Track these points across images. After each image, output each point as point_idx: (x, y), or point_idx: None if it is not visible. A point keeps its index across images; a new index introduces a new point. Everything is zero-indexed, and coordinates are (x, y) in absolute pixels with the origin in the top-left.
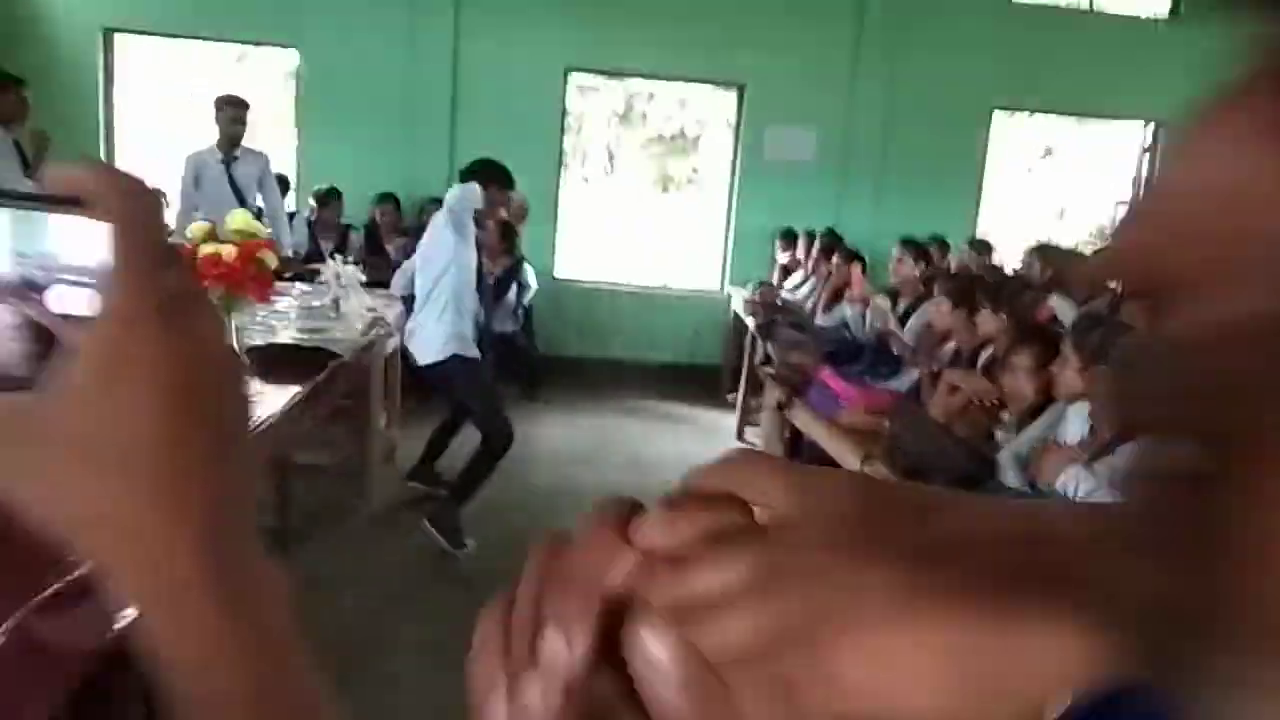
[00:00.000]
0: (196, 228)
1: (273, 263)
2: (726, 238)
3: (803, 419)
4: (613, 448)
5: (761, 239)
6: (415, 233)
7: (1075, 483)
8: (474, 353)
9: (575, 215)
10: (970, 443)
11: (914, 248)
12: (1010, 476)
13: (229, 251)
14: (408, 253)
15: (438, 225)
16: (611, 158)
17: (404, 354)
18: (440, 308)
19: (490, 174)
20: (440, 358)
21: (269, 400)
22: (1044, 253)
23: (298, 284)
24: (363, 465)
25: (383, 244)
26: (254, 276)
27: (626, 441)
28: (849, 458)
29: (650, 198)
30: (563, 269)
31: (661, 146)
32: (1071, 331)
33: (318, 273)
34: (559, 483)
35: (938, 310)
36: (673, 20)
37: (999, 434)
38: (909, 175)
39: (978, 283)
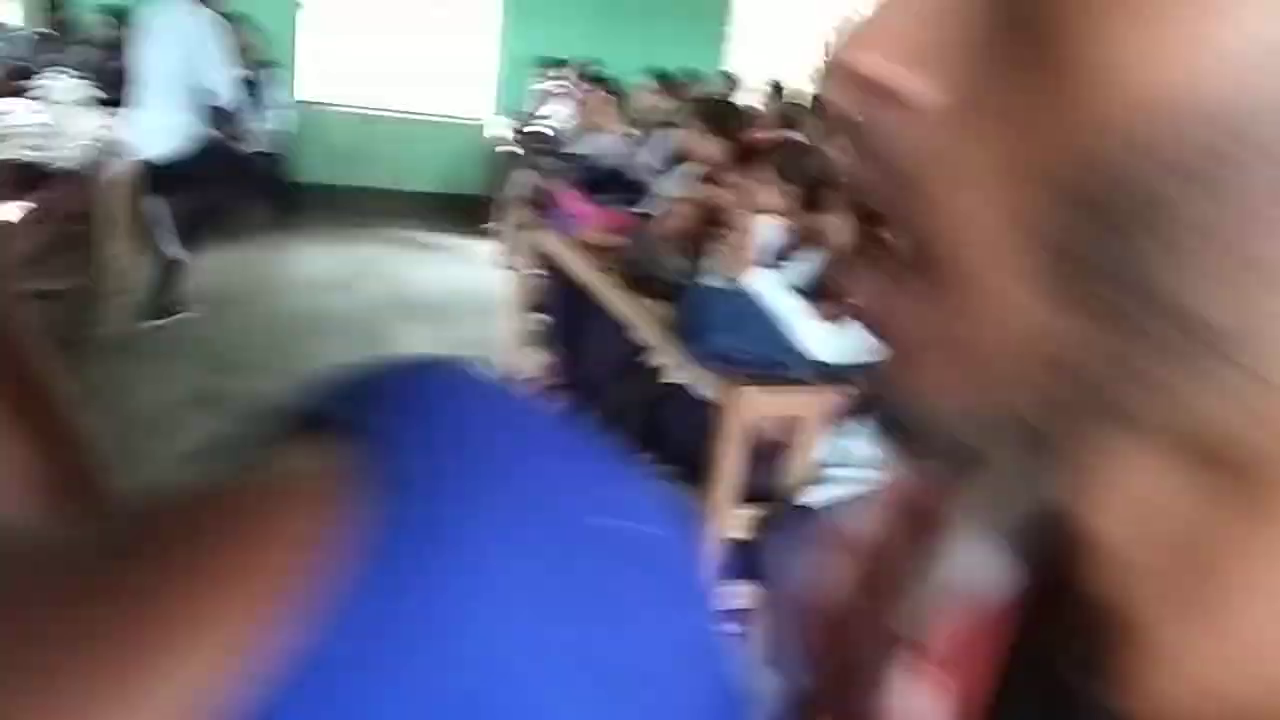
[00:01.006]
0: None
1: None
2: (499, 64)
3: (545, 238)
4: (373, 275)
5: (522, 68)
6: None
7: (762, 281)
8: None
9: (323, 33)
10: (688, 255)
11: (664, 80)
12: (715, 279)
13: None
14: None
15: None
16: None
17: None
18: (166, 101)
19: None
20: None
21: None
22: (777, 90)
23: (19, 100)
24: (94, 293)
25: (111, 60)
26: None
27: (387, 269)
28: (584, 270)
29: (409, 22)
30: (310, 92)
31: None
32: (775, 153)
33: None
34: (317, 308)
35: (677, 136)
36: None
37: (720, 246)
38: (667, 7)
39: (714, 109)
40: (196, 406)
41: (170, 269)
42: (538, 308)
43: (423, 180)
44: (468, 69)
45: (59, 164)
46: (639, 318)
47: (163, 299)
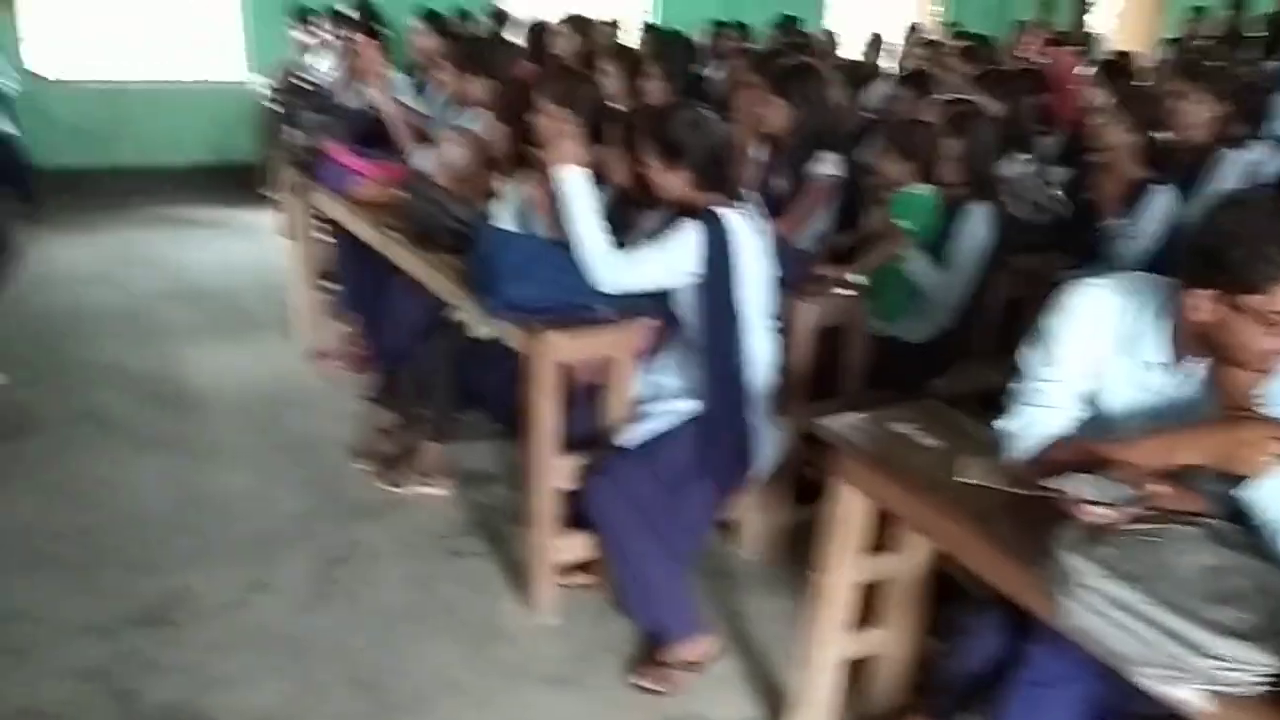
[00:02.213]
0: None
1: None
2: (244, 20)
3: (321, 200)
4: (140, 261)
5: (280, 20)
6: None
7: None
8: None
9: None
10: (470, 202)
11: (433, 19)
12: (506, 221)
13: None
14: None
15: None
16: None
17: None
18: None
19: None
20: None
21: None
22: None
23: None
24: None
25: None
26: None
27: (157, 252)
28: (367, 229)
29: None
30: (41, 67)
31: None
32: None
33: None
34: (83, 304)
35: (442, 79)
36: None
37: (497, 189)
38: None
39: (479, 46)
40: None
41: None
42: (328, 276)
43: (185, 152)
44: (216, 29)
45: None
46: (431, 274)
47: None
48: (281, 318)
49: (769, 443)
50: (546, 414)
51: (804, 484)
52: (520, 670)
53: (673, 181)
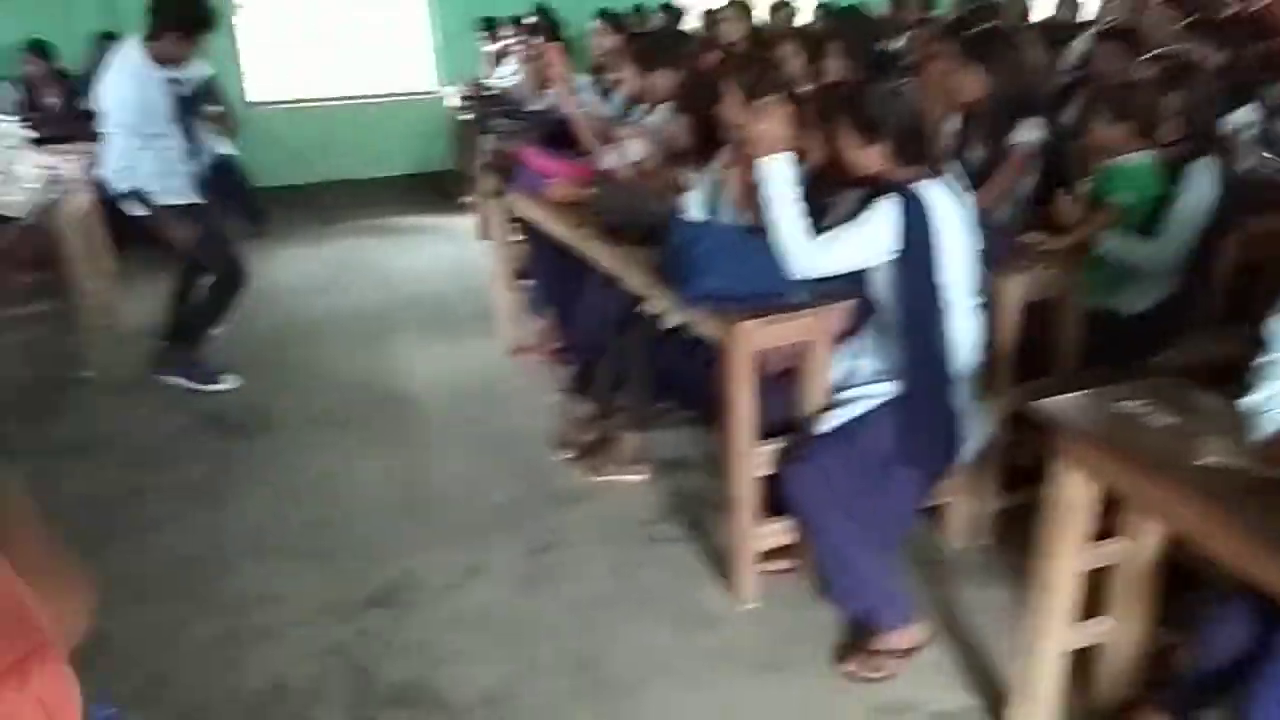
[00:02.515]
0: None
1: None
2: (433, 33)
3: (518, 203)
4: (356, 269)
5: (466, 31)
6: (80, 78)
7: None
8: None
9: (259, 33)
10: (661, 194)
11: (612, 19)
12: (696, 212)
13: None
14: (70, 103)
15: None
16: None
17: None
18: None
19: (171, 11)
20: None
21: None
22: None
23: None
24: (76, 332)
25: (38, 98)
26: None
27: (370, 260)
28: (561, 228)
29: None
30: (256, 93)
31: None
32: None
33: None
34: (305, 312)
35: (627, 76)
36: None
37: (685, 181)
38: None
39: (657, 41)
40: (203, 430)
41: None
42: (524, 275)
43: (387, 165)
44: (410, 43)
45: (10, 211)
46: (625, 268)
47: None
48: (483, 316)
49: (975, 426)
50: (743, 402)
51: (1013, 469)
52: (726, 655)
53: (870, 158)
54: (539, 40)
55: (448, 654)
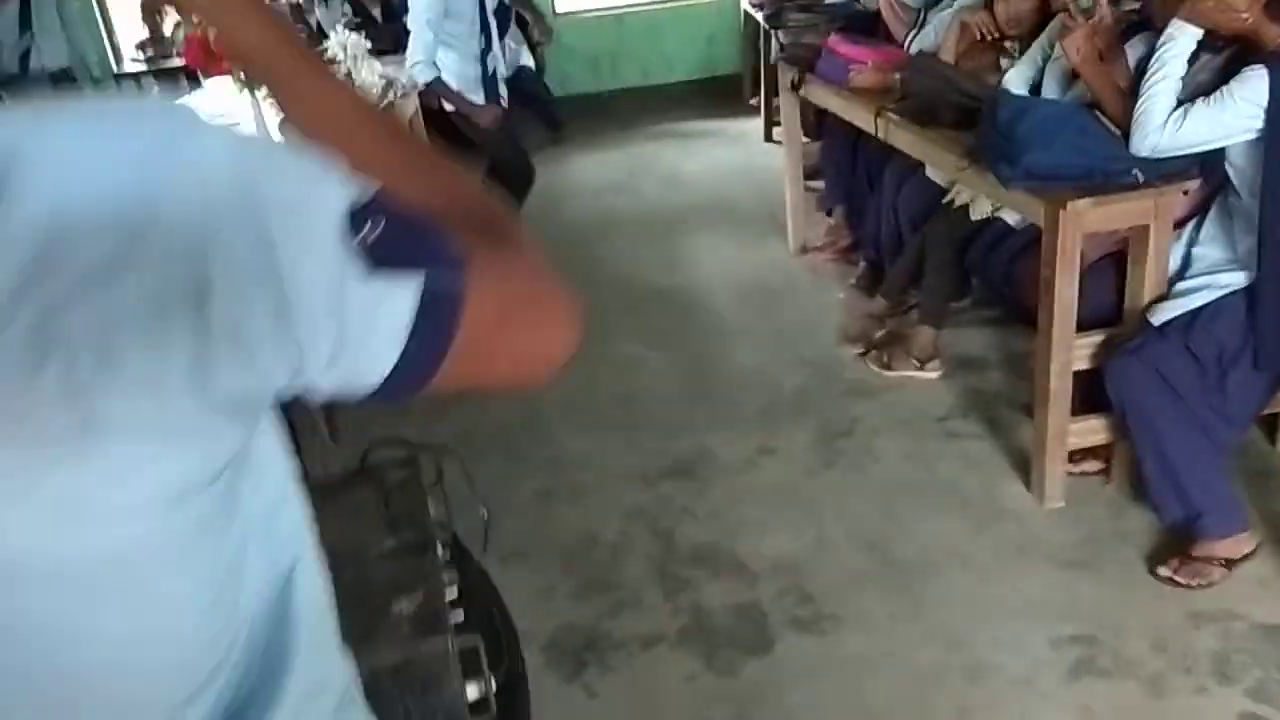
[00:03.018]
0: None
1: None
2: None
3: (816, 93)
4: (647, 171)
5: None
6: None
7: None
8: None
9: None
10: (976, 76)
11: None
12: (1019, 89)
13: None
14: (388, 13)
15: None
16: None
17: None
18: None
19: None
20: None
21: None
22: None
23: None
24: None
25: (363, 7)
26: None
27: (660, 163)
28: (863, 115)
29: None
30: (562, 3)
31: None
32: None
33: (323, 50)
34: (599, 211)
35: None
36: None
37: (1004, 63)
38: None
39: None
40: None
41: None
42: (813, 174)
43: (678, 70)
44: None
45: None
46: (935, 153)
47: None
48: (770, 218)
49: None
50: (1065, 289)
51: None
52: (1026, 549)
53: (1241, 8)
54: None
55: (742, 523)
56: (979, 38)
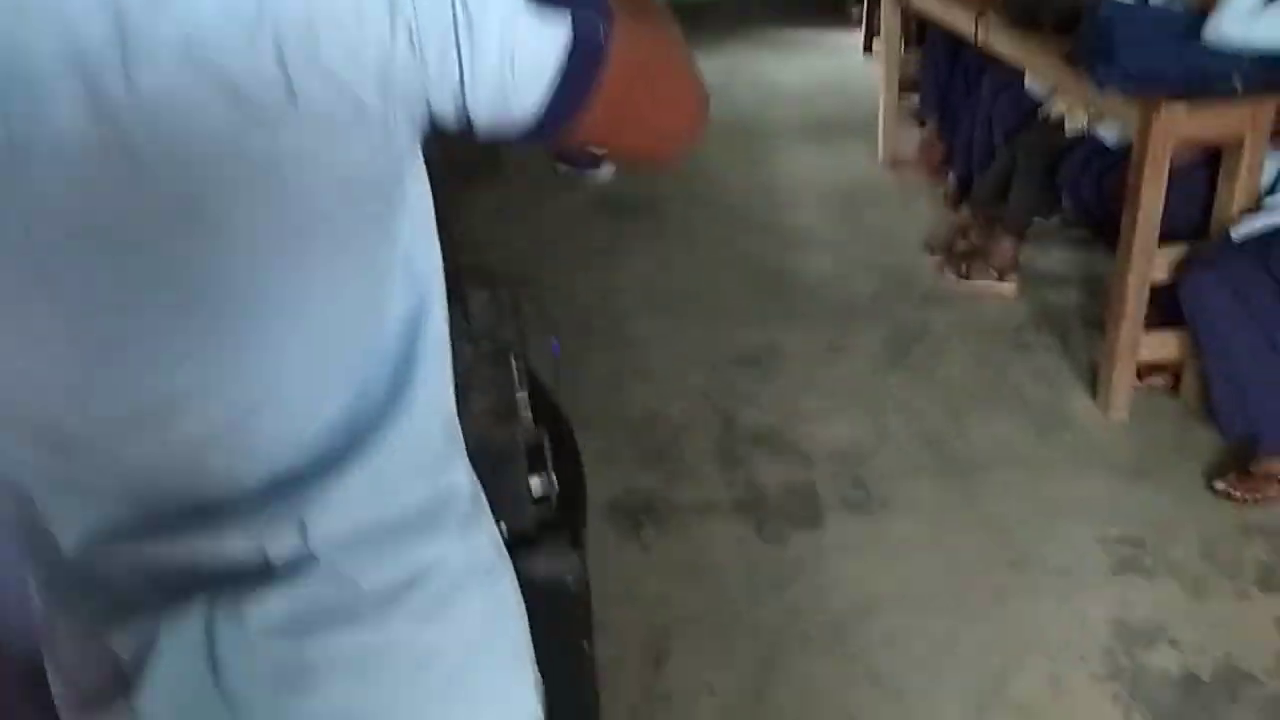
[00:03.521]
0: None
1: None
2: None
3: None
4: (743, 77)
5: None
6: None
7: None
8: None
9: None
10: None
11: None
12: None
13: None
14: None
15: None
16: None
17: None
18: None
19: None
20: None
21: None
22: None
23: None
24: None
25: None
26: None
27: (756, 70)
28: (963, 20)
29: None
30: None
31: None
32: None
33: None
34: None
35: None
36: None
37: None
38: None
39: None
40: (597, 212)
41: None
42: (909, 86)
43: None
44: None
45: None
46: (1033, 57)
47: None
48: (863, 130)
49: None
50: (1152, 198)
51: None
52: (1086, 455)
53: None
54: None
55: (803, 411)
56: None
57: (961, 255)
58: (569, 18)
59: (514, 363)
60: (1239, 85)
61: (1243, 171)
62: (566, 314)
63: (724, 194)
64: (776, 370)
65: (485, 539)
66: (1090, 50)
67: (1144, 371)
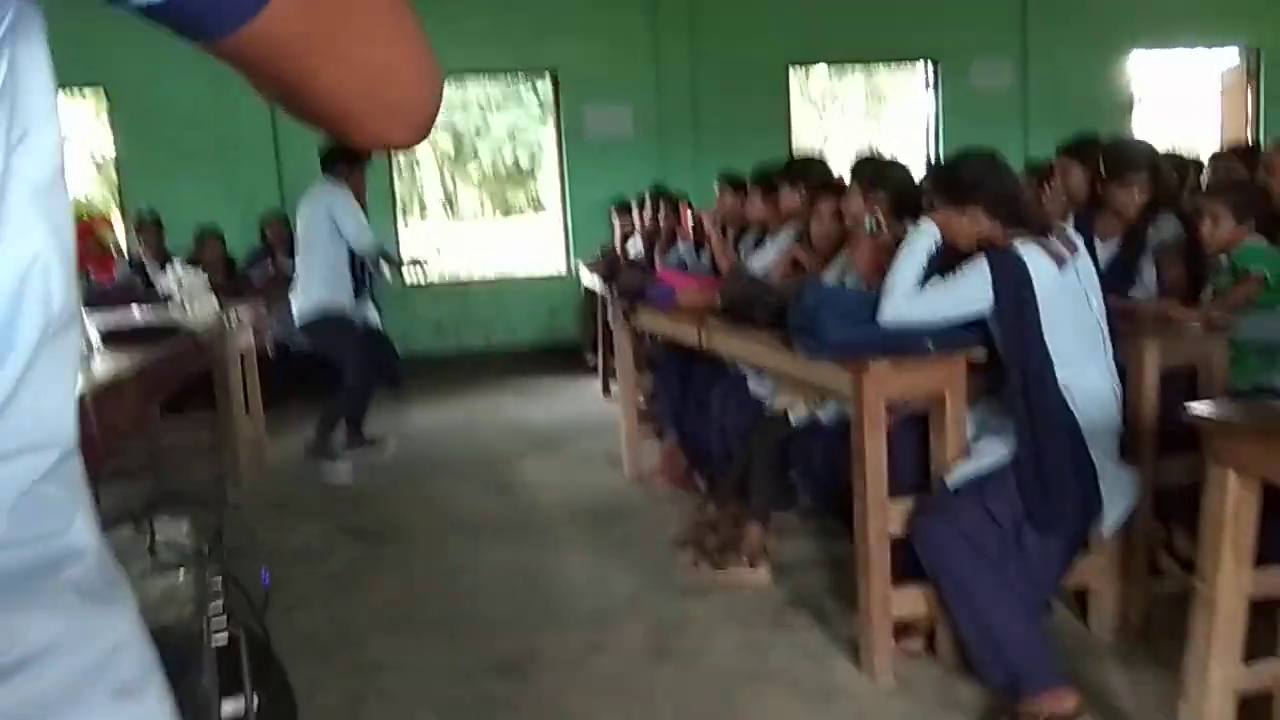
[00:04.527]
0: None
1: (110, 240)
2: (565, 218)
3: (645, 319)
4: (486, 420)
5: (598, 215)
6: (252, 261)
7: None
8: (344, 312)
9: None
10: (783, 289)
11: (730, 180)
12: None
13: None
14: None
15: (308, 213)
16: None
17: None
18: (313, 279)
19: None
20: (314, 318)
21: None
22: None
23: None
24: (225, 452)
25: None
26: (94, 254)
27: (501, 414)
28: (687, 330)
29: (493, 222)
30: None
31: (497, 182)
32: (852, 171)
33: (152, 289)
34: (442, 453)
35: (751, 204)
36: (485, 13)
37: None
38: (721, 134)
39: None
40: (341, 536)
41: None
42: (647, 411)
43: (520, 336)
44: (542, 230)
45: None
46: (751, 348)
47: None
48: (608, 454)
49: (1116, 494)
50: (874, 451)
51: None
52: None
53: (967, 225)
54: (661, 208)
55: (571, 712)
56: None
57: (713, 548)
58: None
59: (208, 575)
60: (931, 346)
61: (949, 424)
62: (300, 645)
63: (472, 517)
64: (538, 675)
65: (126, 636)
66: (800, 329)
67: (899, 634)
